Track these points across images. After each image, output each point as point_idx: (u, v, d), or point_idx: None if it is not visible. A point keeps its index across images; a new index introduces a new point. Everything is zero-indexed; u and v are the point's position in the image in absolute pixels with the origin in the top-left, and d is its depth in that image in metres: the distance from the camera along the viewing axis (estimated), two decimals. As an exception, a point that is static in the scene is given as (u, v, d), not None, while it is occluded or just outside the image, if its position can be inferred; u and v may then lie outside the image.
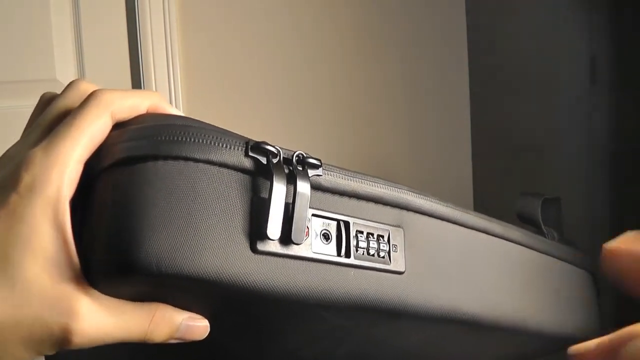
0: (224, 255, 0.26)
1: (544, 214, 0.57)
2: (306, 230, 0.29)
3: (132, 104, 0.28)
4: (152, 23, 1.11)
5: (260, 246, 0.27)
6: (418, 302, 0.35)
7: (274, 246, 0.28)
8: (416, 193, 0.36)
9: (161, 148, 0.26)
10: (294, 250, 0.29)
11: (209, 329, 0.29)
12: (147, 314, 0.27)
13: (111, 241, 0.25)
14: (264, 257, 0.28)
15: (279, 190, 0.27)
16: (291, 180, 0.28)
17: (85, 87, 0.29)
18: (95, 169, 0.27)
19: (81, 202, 0.26)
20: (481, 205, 1.31)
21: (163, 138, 0.26)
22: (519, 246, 0.46)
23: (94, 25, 1.09)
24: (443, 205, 0.38)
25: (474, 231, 0.41)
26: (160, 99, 0.30)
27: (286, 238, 0.28)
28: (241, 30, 1.21)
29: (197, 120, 0.29)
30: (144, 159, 0.26)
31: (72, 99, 0.28)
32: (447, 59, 1.40)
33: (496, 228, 0.43)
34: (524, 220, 0.58)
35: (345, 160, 1.28)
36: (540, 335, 0.47)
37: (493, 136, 1.35)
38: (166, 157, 0.26)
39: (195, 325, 0.29)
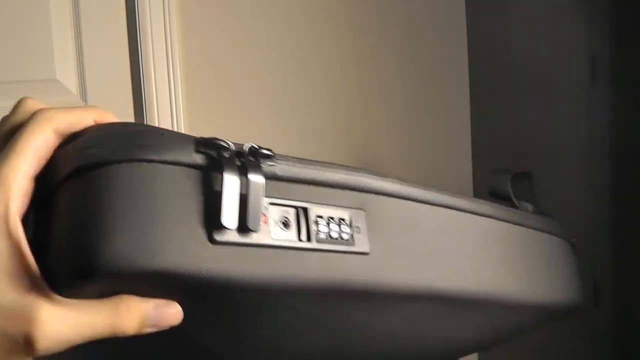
0: (182, 248, 0.27)
1: (516, 188, 0.58)
2: (264, 218, 0.30)
3: (73, 119, 0.29)
4: (152, 23, 1.11)
5: (218, 236, 0.28)
6: (386, 281, 0.35)
7: (231, 235, 0.29)
8: (376, 176, 0.37)
9: (114, 153, 0.27)
10: (252, 238, 0.29)
11: (182, 314, 0.30)
12: (111, 307, 0.27)
13: (70, 248, 0.26)
14: (223, 247, 0.28)
15: (231, 181, 0.28)
16: (244, 171, 0.29)
17: (31, 107, 0.30)
18: (52, 184, 0.28)
19: (43, 217, 0.27)
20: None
21: (115, 144, 0.27)
22: (490, 219, 0.47)
23: (94, 25, 1.09)
24: (406, 186, 0.39)
25: (442, 208, 0.41)
26: (102, 112, 0.31)
27: (243, 227, 0.29)
28: (241, 30, 1.21)
29: (147, 125, 0.30)
30: (98, 165, 0.27)
31: (19, 119, 0.30)
32: (447, 59, 1.40)
33: (464, 203, 0.43)
34: (497, 196, 0.59)
35: (344, 160, 1.28)
36: (524, 306, 0.48)
37: (493, 136, 1.35)
38: (120, 161, 0.27)
39: (166, 311, 0.29)
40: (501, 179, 0.59)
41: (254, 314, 0.34)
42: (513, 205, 0.57)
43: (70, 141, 0.29)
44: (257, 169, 0.30)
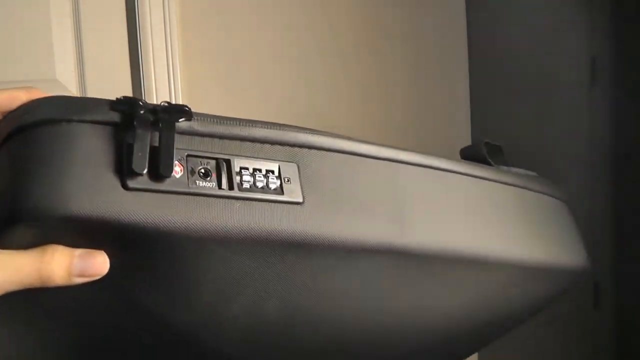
0: (95, 194, 0.29)
1: (491, 157, 0.56)
2: (180, 168, 0.32)
3: (8, 95, 0.32)
4: (152, 23, 1.11)
5: (131, 183, 0.30)
6: (322, 231, 0.36)
7: (144, 182, 0.30)
8: (310, 132, 0.38)
9: (38, 117, 0.30)
10: (166, 184, 0.31)
11: (108, 263, 0.31)
12: (37, 254, 0.29)
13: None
14: (137, 193, 0.30)
15: (141, 132, 0.30)
16: (156, 126, 0.31)
17: None
18: None
19: None
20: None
21: (39, 109, 0.30)
22: (459, 175, 0.46)
23: (94, 25, 1.09)
24: (341, 139, 0.40)
25: (392, 163, 0.42)
26: (36, 90, 0.33)
27: (156, 173, 0.30)
28: (241, 29, 1.21)
29: (67, 95, 0.32)
30: (23, 129, 0.30)
31: None
32: (447, 59, 1.40)
33: (413, 157, 0.43)
34: (469, 159, 0.56)
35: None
36: (511, 265, 0.47)
37: (493, 136, 1.35)
38: (44, 123, 0.29)
39: (92, 260, 0.31)
40: (473, 146, 0.57)
41: (185, 266, 0.35)
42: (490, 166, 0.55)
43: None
44: (170, 122, 0.32)
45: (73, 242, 0.30)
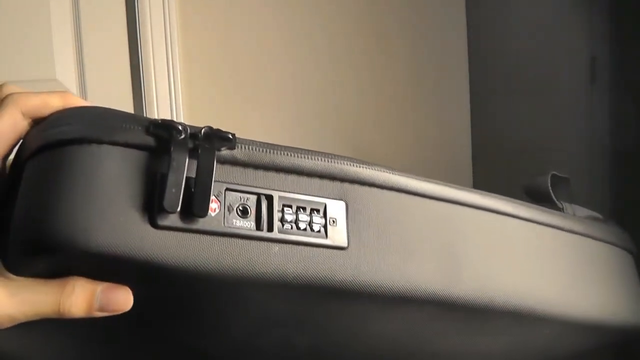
0: (121, 230, 0.26)
1: (556, 191, 0.52)
2: (217, 204, 0.29)
3: (40, 100, 0.30)
4: (152, 23, 1.11)
5: (161, 220, 0.27)
6: (365, 279, 0.32)
7: (174, 220, 0.28)
8: (360, 163, 0.34)
9: (64, 134, 0.27)
10: (199, 224, 0.28)
11: (131, 299, 0.29)
12: (57, 287, 0.28)
13: (19, 225, 0.27)
14: (166, 232, 0.27)
15: (177, 163, 0.27)
16: (195, 155, 0.28)
17: (4, 91, 0.31)
18: (21, 162, 0.29)
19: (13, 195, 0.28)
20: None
21: (67, 125, 0.28)
22: (518, 220, 0.42)
23: (94, 25, 1.09)
24: (397, 175, 0.35)
25: (449, 204, 0.37)
26: (70, 95, 0.31)
27: (189, 211, 0.28)
28: (241, 30, 1.21)
29: (107, 108, 0.30)
30: (48, 147, 0.27)
31: None
32: (447, 59, 1.40)
33: (474, 198, 0.39)
34: (533, 197, 0.53)
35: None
36: (558, 321, 0.43)
37: (493, 137, 1.35)
38: (71, 143, 0.27)
39: (115, 295, 0.29)
40: (538, 179, 0.53)
41: (213, 304, 0.33)
42: (555, 207, 0.51)
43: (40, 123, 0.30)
44: (210, 151, 0.28)
45: (96, 273, 0.28)
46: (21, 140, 0.30)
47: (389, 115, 1.35)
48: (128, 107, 1.12)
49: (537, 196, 0.53)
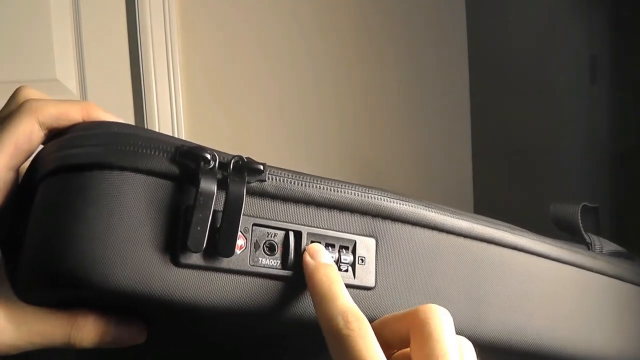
0: (142, 268, 0.25)
1: (584, 221, 0.51)
2: (244, 241, 0.27)
3: (60, 111, 0.28)
4: (152, 24, 1.11)
5: (184, 259, 0.26)
6: None
7: (198, 259, 0.26)
8: (394, 198, 0.32)
9: (83, 158, 0.25)
10: (223, 263, 0.27)
11: (145, 333, 0.28)
12: (67, 319, 0.27)
13: (31, 251, 0.25)
14: (188, 270, 0.26)
15: (205, 197, 0.25)
16: (223, 187, 0.26)
17: (23, 96, 0.29)
18: (34, 180, 0.27)
19: (26, 211, 0.27)
20: (481, 206, 1.31)
21: (90, 148, 0.26)
22: (548, 260, 0.40)
23: (94, 25, 1.09)
24: (434, 212, 0.33)
25: (480, 242, 0.36)
26: (92, 107, 0.29)
27: (213, 250, 0.26)
28: (241, 32, 1.21)
29: (130, 125, 0.28)
30: (69, 169, 0.25)
31: (10, 109, 0.29)
32: (447, 59, 1.40)
33: (505, 237, 0.37)
34: (561, 227, 0.52)
35: (344, 161, 1.28)
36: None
37: (493, 137, 1.35)
38: (92, 167, 0.25)
39: (128, 330, 0.28)
40: (570, 210, 0.52)
41: (231, 337, 0.32)
42: (582, 239, 0.51)
43: (56, 137, 0.28)
44: (239, 184, 0.26)
45: (111, 307, 0.27)
46: (36, 152, 0.29)
47: (390, 117, 1.35)
48: (128, 106, 1.12)
49: (564, 226, 0.52)
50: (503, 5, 1.37)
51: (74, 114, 0.29)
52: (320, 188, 0.30)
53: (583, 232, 0.51)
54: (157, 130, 1.09)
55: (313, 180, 0.30)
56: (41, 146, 0.29)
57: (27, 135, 0.27)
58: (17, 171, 0.28)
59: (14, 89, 0.30)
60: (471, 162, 1.38)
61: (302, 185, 0.29)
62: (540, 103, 1.27)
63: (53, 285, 0.25)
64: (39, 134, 0.28)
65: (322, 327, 0.26)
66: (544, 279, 0.40)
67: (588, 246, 0.51)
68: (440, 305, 0.30)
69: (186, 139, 0.29)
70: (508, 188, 1.24)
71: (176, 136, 0.28)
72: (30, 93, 0.29)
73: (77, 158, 0.25)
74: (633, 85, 1.13)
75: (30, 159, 0.29)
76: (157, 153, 0.26)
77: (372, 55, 1.33)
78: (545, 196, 0.60)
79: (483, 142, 1.37)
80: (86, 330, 0.27)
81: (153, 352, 0.33)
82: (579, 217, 0.52)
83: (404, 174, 1.32)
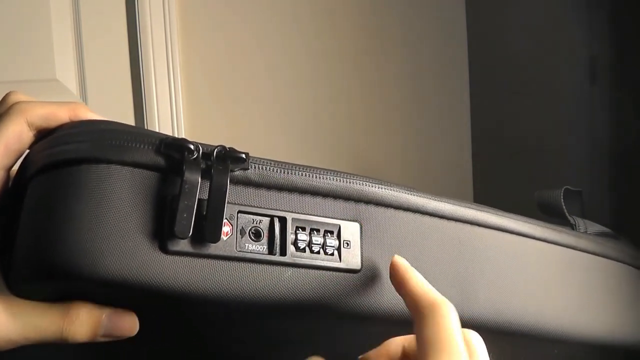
0: (130, 256, 0.26)
1: (568, 205, 0.52)
2: (229, 228, 0.28)
3: (47, 112, 0.29)
4: (152, 23, 1.11)
5: (171, 246, 0.26)
6: (377, 302, 0.32)
7: (185, 245, 0.27)
8: (376, 183, 0.33)
9: (74, 153, 0.26)
10: (210, 249, 0.27)
11: (137, 324, 0.29)
12: (60, 312, 0.27)
13: (23, 246, 0.26)
14: (177, 257, 0.27)
15: (190, 186, 0.26)
16: (207, 176, 0.27)
17: (12, 99, 0.30)
18: (25, 178, 0.28)
19: (16, 210, 0.27)
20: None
21: (77, 144, 0.26)
22: (532, 240, 0.41)
23: (94, 25, 1.09)
24: (415, 196, 0.34)
25: (464, 224, 0.37)
26: (80, 107, 0.30)
27: (200, 236, 0.27)
28: (241, 32, 1.21)
29: (115, 122, 0.29)
30: (57, 165, 0.26)
31: (0, 112, 0.29)
32: (447, 59, 1.40)
33: (489, 218, 0.38)
34: (547, 212, 0.53)
35: (344, 160, 1.28)
36: (565, 339, 0.42)
37: (493, 136, 1.35)
38: (79, 162, 0.26)
39: (120, 321, 0.28)
40: (553, 194, 0.53)
41: (220, 326, 0.32)
42: (567, 222, 0.51)
43: (45, 137, 0.29)
44: (223, 173, 0.27)
45: (102, 298, 0.27)
46: (26, 152, 0.29)
47: (389, 116, 1.35)
48: (128, 107, 1.12)
49: (549, 210, 0.53)
50: (503, 5, 1.37)
51: (62, 114, 0.29)
52: (303, 175, 0.31)
53: (567, 214, 0.52)
54: (157, 130, 1.09)
55: (296, 167, 0.31)
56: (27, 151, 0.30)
57: (17, 135, 0.28)
58: (8, 171, 0.29)
59: (14, 89, 0.31)
60: (471, 162, 1.38)
61: (285, 172, 0.30)
62: (540, 103, 1.27)
63: (45, 278, 0.25)
64: (28, 134, 0.29)
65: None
66: (529, 259, 0.41)
67: (572, 227, 0.51)
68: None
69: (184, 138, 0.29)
70: (508, 188, 1.24)
71: (176, 136, 0.29)
72: (18, 96, 0.30)
73: (64, 154, 0.26)
74: (633, 85, 1.13)
75: (20, 160, 0.30)
76: (142, 146, 0.27)
77: (372, 56, 1.33)
78: (532, 191, 0.61)
79: (483, 141, 1.37)
80: (78, 323, 0.27)
81: (147, 349, 0.33)
82: (562, 200, 0.52)
83: (403, 174, 1.33)
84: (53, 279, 0.25)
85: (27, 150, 0.30)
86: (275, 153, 1.34)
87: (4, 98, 0.30)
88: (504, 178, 1.27)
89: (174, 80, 1.13)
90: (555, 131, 1.25)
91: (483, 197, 1.33)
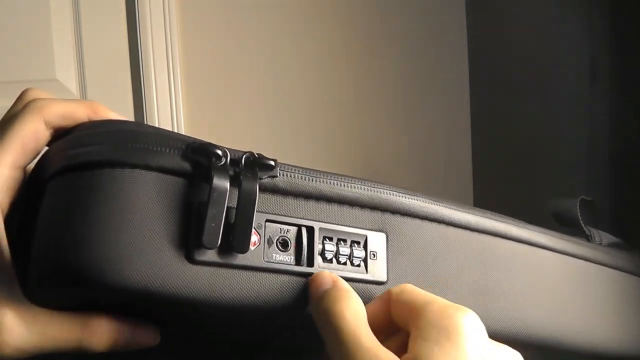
0: (155, 266, 0.25)
1: (582, 215, 0.52)
2: (257, 237, 0.27)
3: (65, 110, 0.28)
4: (152, 23, 1.11)
5: (198, 256, 0.26)
6: None
7: (213, 255, 0.26)
8: (403, 193, 0.32)
9: (97, 156, 0.25)
10: (238, 259, 0.27)
11: (159, 337, 0.28)
12: (80, 322, 0.26)
13: (42, 252, 0.25)
14: (203, 267, 0.26)
15: (218, 194, 0.25)
16: (236, 183, 0.26)
17: (30, 96, 0.29)
18: (43, 179, 0.27)
19: (34, 212, 0.26)
20: (481, 205, 1.31)
21: (100, 146, 0.25)
22: (550, 252, 0.41)
23: (94, 25, 1.09)
24: (441, 206, 0.34)
25: (486, 235, 0.36)
26: (98, 106, 0.29)
27: (228, 246, 0.26)
28: (241, 32, 1.21)
29: (138, 123, 0.28)
30: (79, 168, 0.25)
31: (16, 109, 0.29)
32: (447, 59, 1.40)
33: (510, 230, 0.38)
34: (561, 221, 0.53)
35: (345, 161, 1.28)
36: (581, 351, 0.42)
37: (493, 136, 1.35)
38: (102, 166, 0.25)
39: (141, 334, 0.28)
40: (568, 204, 0.53)
41: (242, 332, 0.31)
42: (582, 233, 0.51)
43: (63, 136, 0.28)
44: (252, 180, 0.26)
45: (124, 307, 0.27)
46: (43, 151, 0.28)
47: (390, 116, 1.35)
48: (128, 106, 1.12)
49: (564, 220, 0.53)
50: (503, 5, 1.37)
51: (80, 113, 0.29)
52: (330, 183, 0.30)
53: (583, 225, 0.52)
54: (157, 130, 1.09)
55: (323, 175, 0.30)
56: (46, 148, 0.29)
57: (33, 134, 0.27)
58: (24, 170, 0.28)
59: (14, 89, 0.30)
60: (471, 162, 1.38)
61: (313, 180, 0.29)
62: (540, 103, 1.27)
63: (65, 284, 0.24)
64: (45, 133, 0.28)
65: None
66: (547, 271, 0.40)
67: (588, 239, 0.51)
68: (448, 297, 0.30)
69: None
70: (508, 188, 1.24)
71: (202, 140, 0.28)
72: (36, 93, 0.29)
73: (86, 156, 0.25)
74: (633, 85, 1.13)
75: (37, 159, 0.29)
76: (168, 150, 0.26)
77: (372, 56, 1.33)
78: (545, 196, 0.61)
79: (483, 142, 1.37)
80: (99, 335, 0.26)
81: (163, 356, 0.33)
82: (578, 211, 0.52)
83: (404, 174, 1.32)
84: (73, 286, 0.24)
85: (46, 148, 0.29)
86: (276, 152, 1.34)
87: (21, 94, 0.30)
88: (504, 178, 1.27)
89: (174, 80, 1.13)
90: (555, 131, 1.25)
91: (483, 197, 1.33)
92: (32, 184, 0.28)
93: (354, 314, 0.26)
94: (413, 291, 0.28)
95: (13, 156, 0.27)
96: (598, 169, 1.18)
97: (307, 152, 1.24)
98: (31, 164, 0.29)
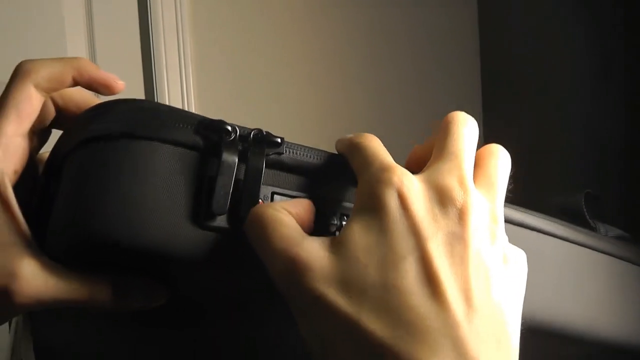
0: (168, 230, 0.26)
1: (588, 209, 0.53)
2: None
3: (52, 72, 0.29)
4: (164, 19, 1.12)
5: (208, 221, 0.27)
6: None
7: (222, 221, 0.28)
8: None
9: (115, 129, 0.27)
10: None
11: (166, 296, 0.29)
12: (93, 282, 0.27)
13: (61, 215, 0.26)
14: (212, 233, 0.27)
15: (227, 166, 0.27)
16: (244, 157, 0.28)
17: (19, 65, 0.30)
18: (61, 154, 0.28)
19: (54, 184, 0.28)
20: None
21: (118, 120, 0.27)
22: (553, 239, 0.41)
23: (107, 24, 1.10)
24: None
25: (507, 224, 0.36)
26: (86, 63, 0.30)
27: (236, 214, 0.28)
28: (253, 26, 1.21)
29: (154, 102, 0.30)
30: (98, 140, 0.27)
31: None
32: (458, 58, 1.40)
33: (515, 215, 0.39)
34: (566, 214, 0.53)
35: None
36: (588, 340, 0.43)
37: (499, 137, 1.35)
38: (119, 137, 0.27)
39: (151, 294, 0.29)
40: (572, 197, 0.54)
41: (258, 305, 0.32)
42: (588, 226, 0.52)
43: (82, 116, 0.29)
44: (260, 155, 0.28)
45: (136, 268, 0.28)
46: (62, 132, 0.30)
47: (399, 116, 1.35)
48: (139, 95, 1.13)
49: (570, 214, 0.53)
50: (515, 5, 1.37)
51: (66, 76, 0.29)
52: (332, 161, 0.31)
53: (588, 218, 0.52)
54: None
55: (326, 154, 0.31)
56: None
57: (26, 98, 0.28)
58: (27, 138, 0.29)
59: None
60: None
61: (315, 157, 0.31)
62: (551, 103, 1.27)
63: (84, 250, 0.26)
64: (37, 96, 0.29)
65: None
66: (551, 257, 0.41)
67: (593, 231, 0.51)
68: None
69: None
70: (512, 185, 1.24)
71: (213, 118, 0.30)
72: (26, 61, 0.30)
73: (105, 130, 0.27)
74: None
75: (43, 157, 0.30)
76: (181, 125, 0.28)
77: (383, 57, 1.33)
78: (551, 194, 0.61)
79: (494, 140, 1.37)
80: (109, 292, 0.27)
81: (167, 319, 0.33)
82: (583, 204, 0.52)
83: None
84: (91, 251, 0.26)
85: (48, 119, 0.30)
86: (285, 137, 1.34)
87: (16, 67, 0.30)
88: (514, 175, 1.26)
89: (185, 76, 1.14)
90: (566, 130, 1.24)
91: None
92: (50, 163, 0.29)
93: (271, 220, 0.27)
94: (359, 146, 0.30)
95: (12, 124, 0.28)
96: (604, 167, 1.18)
97: (309, 134, 1.25)
98: (44, 155, 0.30)
